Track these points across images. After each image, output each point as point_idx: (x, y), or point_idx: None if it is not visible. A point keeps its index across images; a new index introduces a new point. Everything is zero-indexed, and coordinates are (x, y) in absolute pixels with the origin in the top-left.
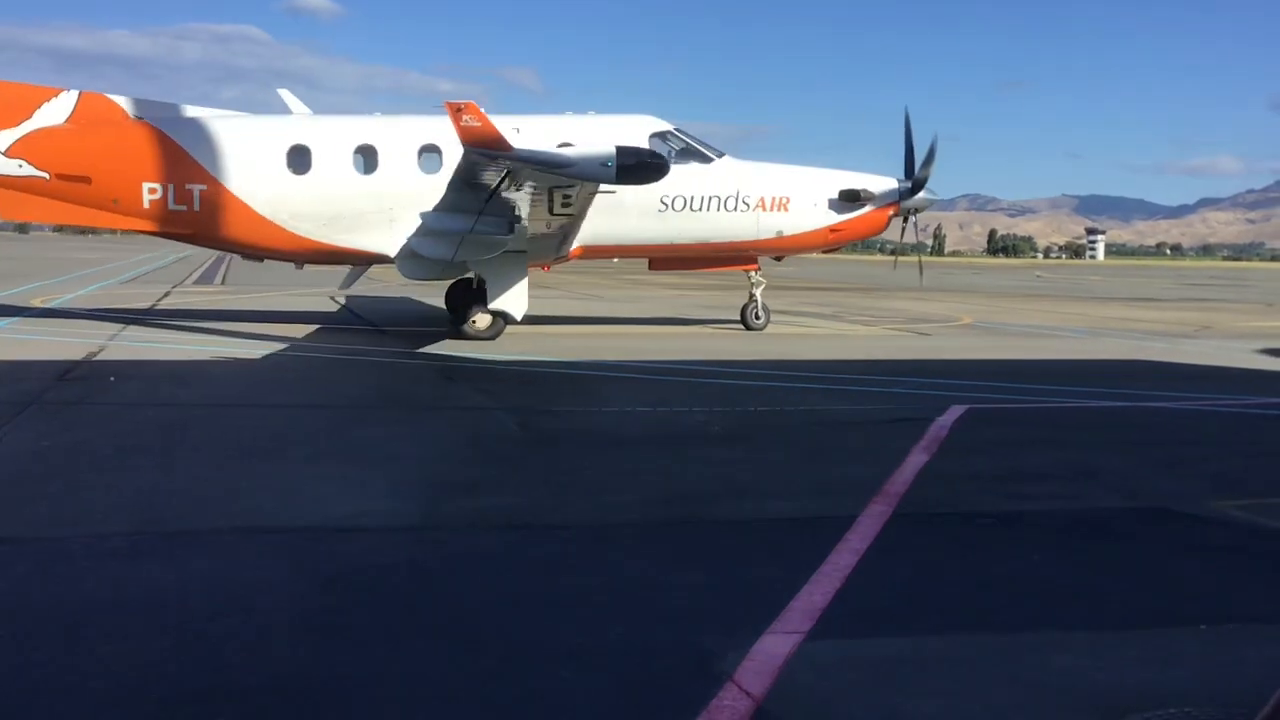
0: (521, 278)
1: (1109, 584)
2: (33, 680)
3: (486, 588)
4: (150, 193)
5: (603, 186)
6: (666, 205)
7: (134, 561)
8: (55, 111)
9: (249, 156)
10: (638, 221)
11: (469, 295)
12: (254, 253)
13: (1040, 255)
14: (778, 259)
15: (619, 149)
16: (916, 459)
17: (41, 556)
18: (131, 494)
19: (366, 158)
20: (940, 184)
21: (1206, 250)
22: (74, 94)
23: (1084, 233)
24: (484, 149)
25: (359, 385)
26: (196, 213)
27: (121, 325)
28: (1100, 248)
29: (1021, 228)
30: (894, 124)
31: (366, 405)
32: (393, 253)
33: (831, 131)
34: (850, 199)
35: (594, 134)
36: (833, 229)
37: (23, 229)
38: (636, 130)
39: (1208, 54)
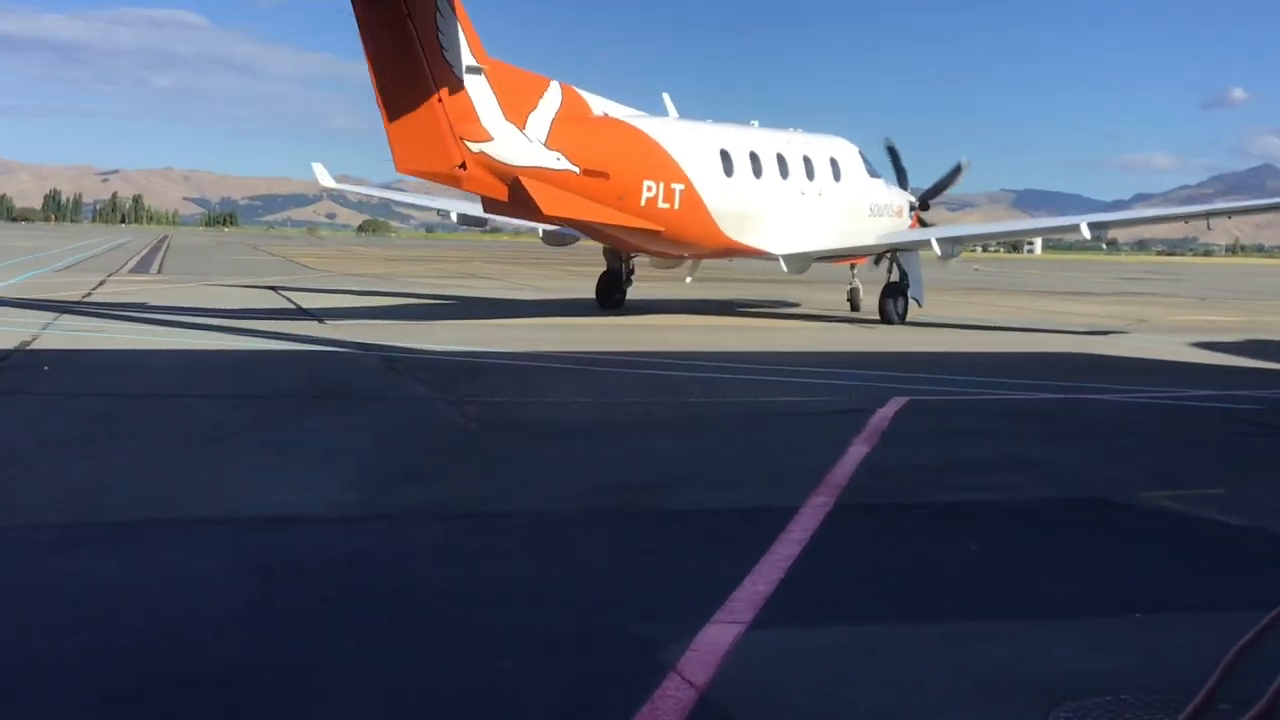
0: (920, 274)
1: (1046, 573)
2: None
3: (429, 578)
4: (647, 190)
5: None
6: (873, 212)
7: (69, 553)
8: (551, 102)
9: (704, 157)
10: (863, 224)
11: (889, 286)
12: (696, 251)
13: (979, 249)
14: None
15: None
16: (858, 450)
17: None
18: (67, 485)
19: (756, 164)
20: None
21: (1141, 245)
22: (558, 85)
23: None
24: None
25: (300, 376)
26: (676, 212)
27: (56, 314)
28: (1038, 242)
29: (961, 221)
30: (832, 115)
31: (308, 396)
32: (777, 250)
33: (793, 120)
34: (913, 208)
35: (815, 149)
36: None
37: None
38: (846, 149)
39: (1142, 50)
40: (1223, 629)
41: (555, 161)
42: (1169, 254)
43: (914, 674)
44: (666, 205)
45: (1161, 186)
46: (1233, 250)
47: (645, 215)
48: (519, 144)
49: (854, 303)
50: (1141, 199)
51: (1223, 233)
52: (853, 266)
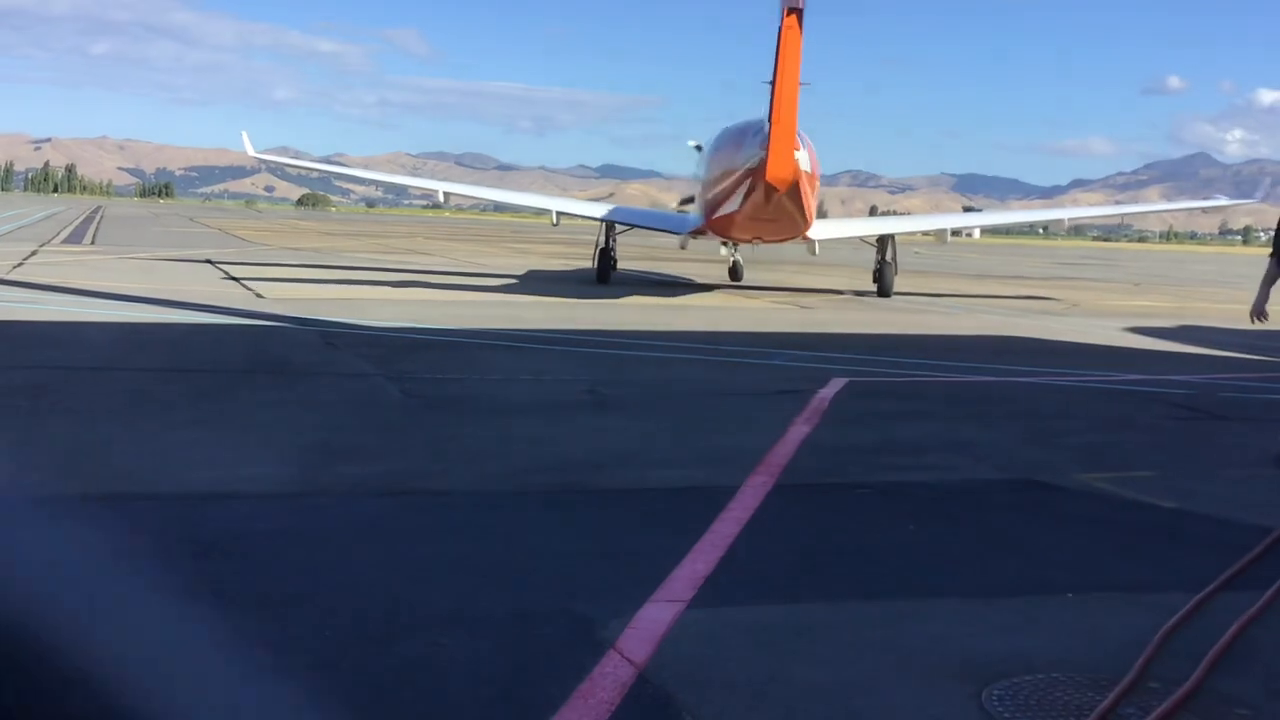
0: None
1: (981, 553)
2: None
3: (366, 555)
4: (811, 185)
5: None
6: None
7: None
8: None
9: (807, 154)
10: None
11: (884, 264)
12: (794, 236)
13: (919, 233)
14: None
15: None
16: (798, 430)
17: None
18: None
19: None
20: (824, 160)
21: (1078, 230)
22: None
23: (961, 210)
24: None
25: (236, 350)
26: (810, 203)
27: None
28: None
29: (901, 204)
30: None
31: (244, 370)
32: (815, 235)
33: (713, 105)
34: None
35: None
36: None
37: None
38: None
39: (1081, 35)
40: (1153, 609)
41: (806, 163)
42: (1104, 239)
43: (850, 652)
44: (814, 200)
45: (1098, 173)
46: (1166, 237)
47: (801, 205)
48: (802, 149)
49: (735, 274)
50: (1079, 184)
51: (1156, 219)
52: (736, 246)
